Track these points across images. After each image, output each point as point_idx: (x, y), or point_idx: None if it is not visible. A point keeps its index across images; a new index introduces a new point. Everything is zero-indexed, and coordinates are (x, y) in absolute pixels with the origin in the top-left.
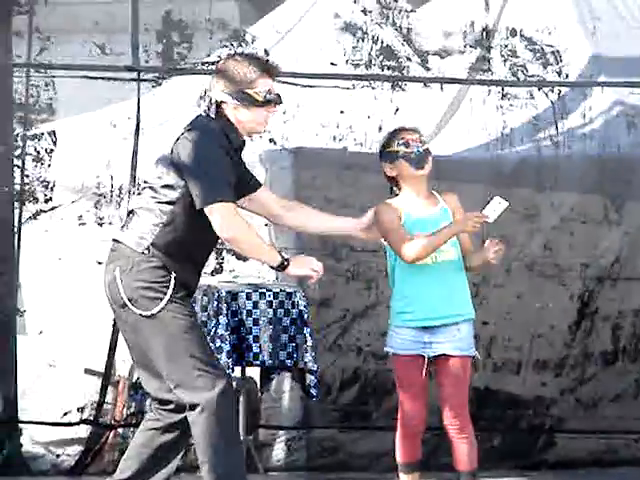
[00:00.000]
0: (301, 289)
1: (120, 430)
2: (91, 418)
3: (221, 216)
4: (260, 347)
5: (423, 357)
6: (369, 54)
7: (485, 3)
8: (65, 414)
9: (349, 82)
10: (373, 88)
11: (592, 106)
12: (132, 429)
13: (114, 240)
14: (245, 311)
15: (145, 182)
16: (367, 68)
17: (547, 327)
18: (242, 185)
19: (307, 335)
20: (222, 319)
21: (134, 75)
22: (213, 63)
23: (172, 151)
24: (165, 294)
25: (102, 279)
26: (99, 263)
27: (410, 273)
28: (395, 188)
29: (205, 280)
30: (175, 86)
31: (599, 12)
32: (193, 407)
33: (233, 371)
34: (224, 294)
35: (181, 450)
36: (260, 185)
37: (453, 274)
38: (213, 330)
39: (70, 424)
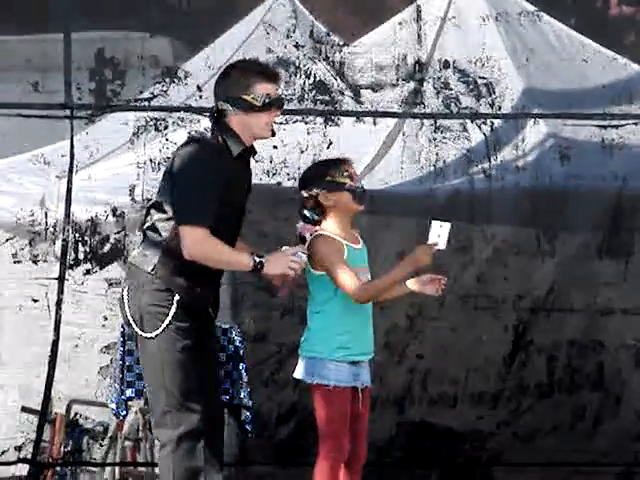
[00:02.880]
0: (236, 325)
1: (58, 469)
2: (29, 457)
3: (188, 239)
4: None
5: (356, 389)
6: (302, 88)
7: (417, 36)
8: (3, 453)
9: (282, 117)
10: (306, 122)
11: (525, 138)
12: (70, 468)
13: (129, 261)
14: None
15: (155, 199)
16: (300, 102)
17: (482, 360)
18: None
19: (242, 371)
20: None
21: (67, 113)
22: (146, 99)
23: (172, 165)
24: (163, 321)
25: None
26: (34, 301)
27: (352, 309)
28: (313, 214)
29: None
30: (108, 123)
31: (531, 44)
32: (158, 440)
33: None
34: None
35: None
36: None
37: (370, 311)
38: None
39: (8, 463)
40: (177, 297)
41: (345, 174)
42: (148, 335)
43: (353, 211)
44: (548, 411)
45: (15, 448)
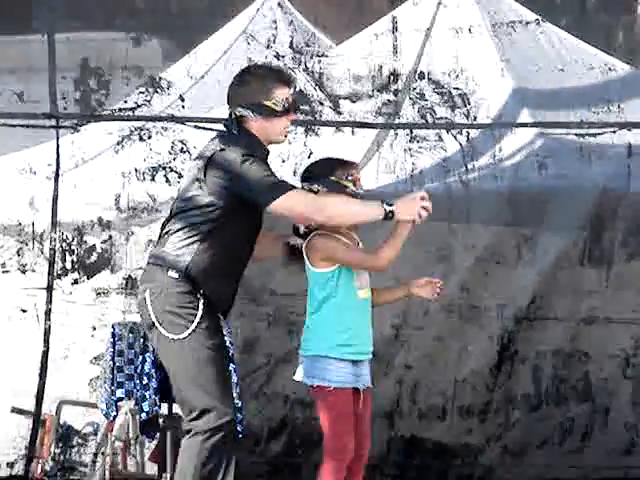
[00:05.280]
0: (226, 325)
1: (48, 468)
2: (21, 473)
3: (300, 202)
4: None
5: (357, 390)
6: None
7: (393, 47)
8: None
9: None
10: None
11: (502, 147)
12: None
13: (148, 262)
14: None
15: (177, 204)
16: None
17: (469, 370)
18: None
19: (232, 371)
20: (148, 356)
21: (53, 122)
22: (130, 109)
23: (205, 172)
24: (192, 322)
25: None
26: (23, 311)
27: (350, 306)
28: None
29: (131, 318)
30: (93, 132)
31: (507, 54)
32: (188, 432)
33: (160, 408)
34: None
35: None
36: None
37: (369, 311)
38: (140, 367)
39: None
40: (203, 298)
41: (350, 178)
42: (176, 337)
43: None
44: (537, 424)
45: (7, 465)
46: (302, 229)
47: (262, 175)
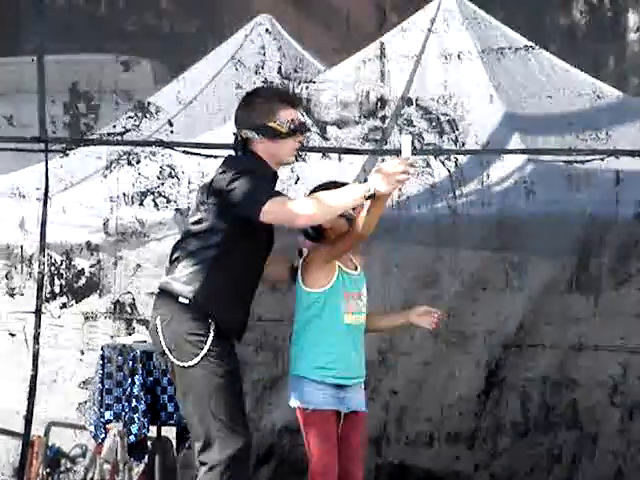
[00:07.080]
0: None
1: None
2: None
3: (279, 211)
4: (175, 406)
5: (339, 413)
6: None
7: (381, 73)
8: None
9: None
10: None
11: (490, 173)
12: None
13: (159, 289)
14: (160, 370)
15: (184, 230)
16: None
17: (456, 397)
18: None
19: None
20: (137, 379)
21: (42, 146)
22: (119, 134)
23: (207, 195)
24: (201, 349)
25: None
26: (12, 335)
27: (334, 329)
28: (315, 232)
29: (120, 340)
30: (82, 156)
31: (497, 80)
32: (203, 464)
33: (148, 431)
34: (139, 354)
35: None
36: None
37: (362, 336)
38: (129, 390)
39: None
40: (213, 324)
41: None
42: (186, 364)
43: None
44: (525, 452)
45: None
46: (304, 252)
47: (248, 188)
